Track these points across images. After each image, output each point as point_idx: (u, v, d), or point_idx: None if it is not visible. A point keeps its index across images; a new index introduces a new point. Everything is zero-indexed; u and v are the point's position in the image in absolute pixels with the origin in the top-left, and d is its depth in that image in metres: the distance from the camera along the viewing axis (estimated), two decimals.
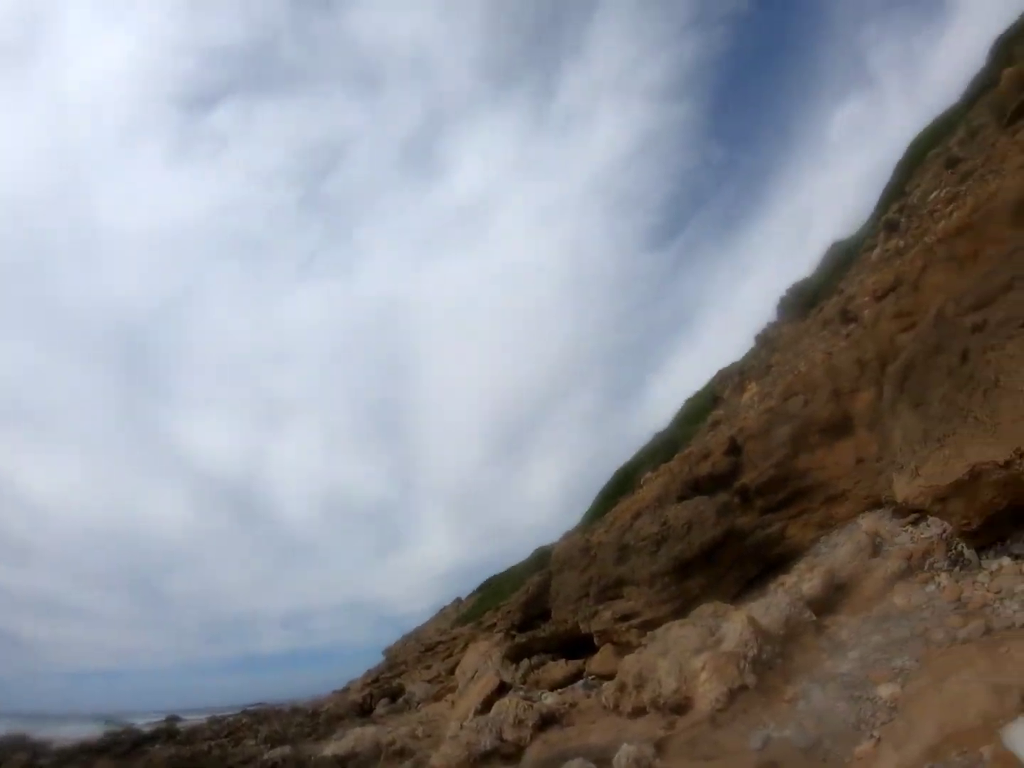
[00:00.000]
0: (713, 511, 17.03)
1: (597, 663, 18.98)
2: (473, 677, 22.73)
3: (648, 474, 32.08)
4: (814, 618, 12.10)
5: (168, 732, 41.21)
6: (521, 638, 23.41)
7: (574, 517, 45.01)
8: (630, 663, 13.07)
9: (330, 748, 22.75)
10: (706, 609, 13.62)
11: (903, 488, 11.26)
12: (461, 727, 14.19)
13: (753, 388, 28.29)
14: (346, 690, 56.65)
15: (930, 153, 27.82)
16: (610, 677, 15.99)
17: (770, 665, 10.99)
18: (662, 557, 16.98)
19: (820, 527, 17.33)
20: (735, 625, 11.77)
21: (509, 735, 12.64)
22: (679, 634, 12.69)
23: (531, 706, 13.30)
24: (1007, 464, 9.44)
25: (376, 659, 65.35)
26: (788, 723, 9.59)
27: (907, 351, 11.93)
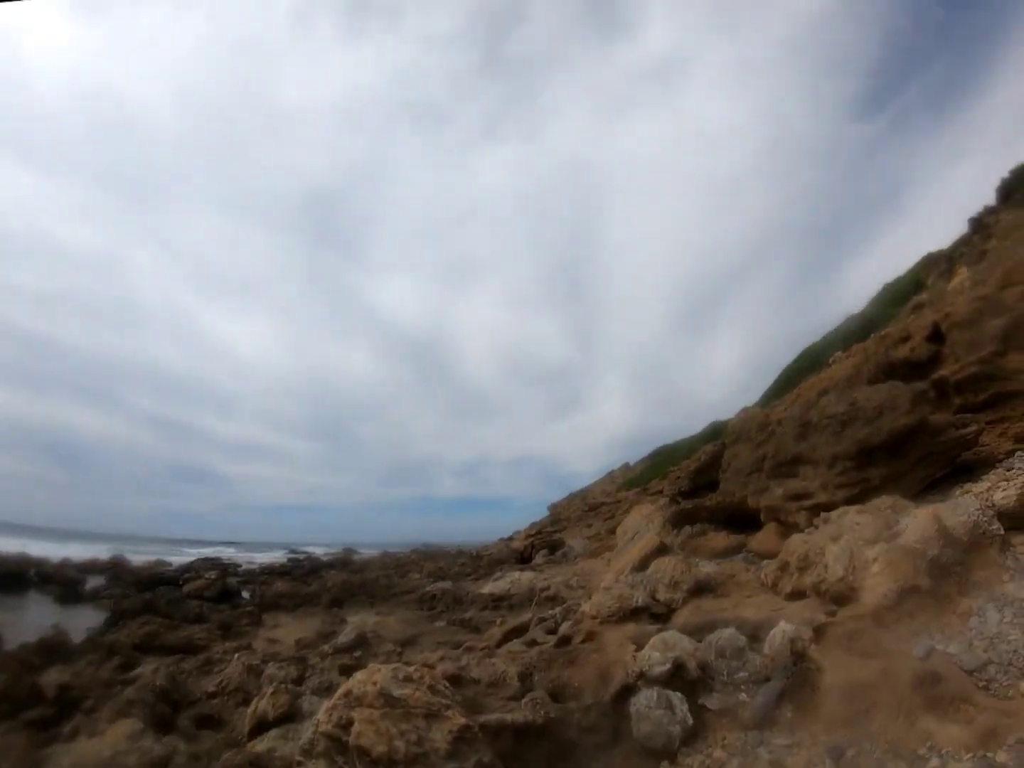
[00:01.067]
0: (908, 398, 15.44)
1: (759, 540, 18.23)
2: (633, 538, 22.51)
3: (838, 354, 30.50)
4: (1002, 532, 10.76)
5: (344, 561, 44.05)
6: (686, 504, 22.82)
7: (754, 395, 43.56)
8: (796, 543, 12.24)
9: (487, 588, 23.40)
10: (885, 501, 12.40)
11: None
12: (616, 580, 13.77)
13: (964, 273, 25.88)
14: (510, 539, 58.36)
15: None
16: (770, 556, 15.43)
17: (948, 571, 9.87)
18: (846, 439, 15.77)
19: (1018, 439, 15.63)
20: (918, 520, 10.69)
21: (662, 595, 12.14)
22: (855, 520, 11.70)
23: (688, 570, 12.71)
24: None
25: (541, 513, 67.18)
26: (955, 638, 8.67)
27: None
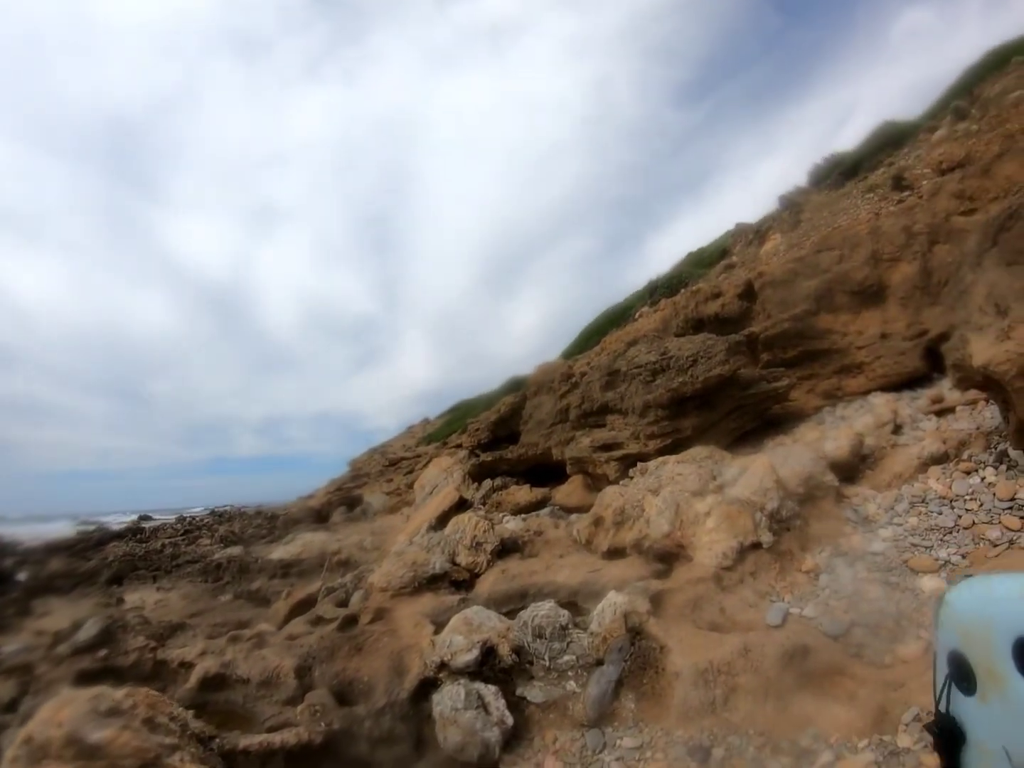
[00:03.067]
0: (724, 348, 14.67)
1: (564, 494, 16.99)
2: (432, 492, 20.92)
3: (644, 308, 29.83)
4: (836, 483, 9.99)
5: (134, 530, 40.55)
6: (486, 456, 21.30)
7: (554, 353, 42.62)
8: (611, 496, 10.86)
9: (277, 552, 21.10)
10: (701, 452, 11.33)
11: (984, 350, 8.68)
12: (410, 542, 11.96)
13: (777, 239, 25.78)
14: (311, 497, 56.02)
15: (1015, 59, 24.39)
16: (578, 510, 14.62)
17: (788, 526, 8.81)
18: (658, 388, 14.66)
19: (826, 396, 15.85)
20: (754, 470, 9.57)
21: (463, 558, 10.48)
22: (675, 471, 10.48)
23: (492, 528, 11.10)
24: None
25: (343, 470, 64.67)
26: (809, 599, 7.63)
27: (1009, 200, 9.39)
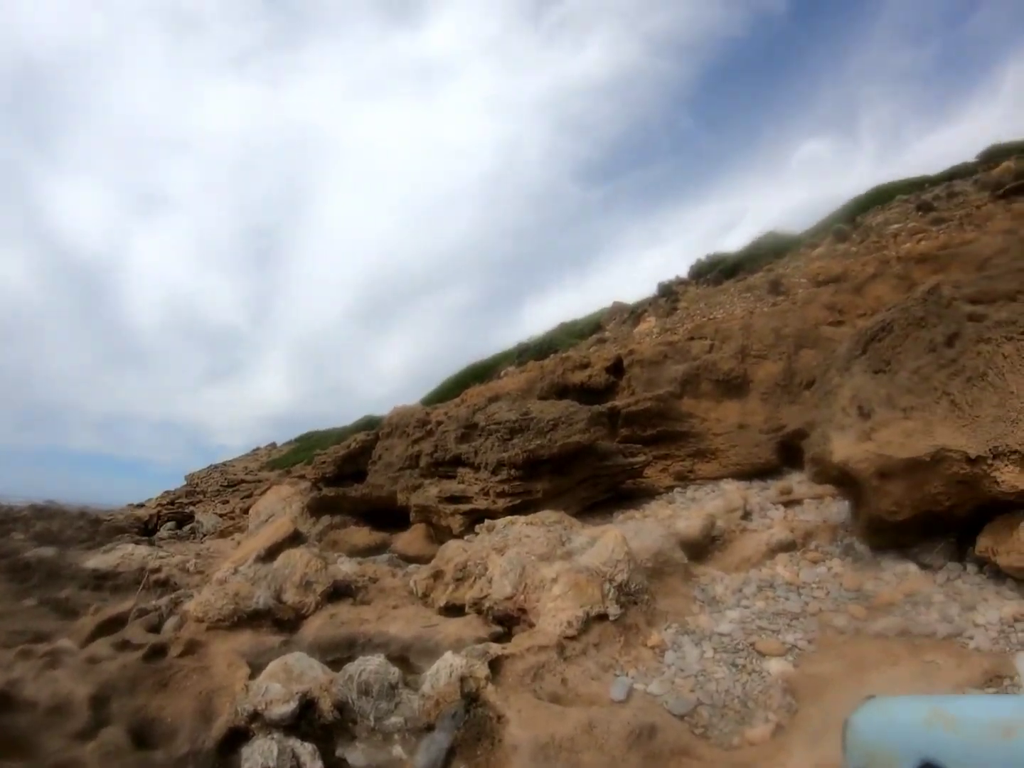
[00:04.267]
0: (585, 417, 14.80)
1: (405, 541, 16.53)
2: (267, 521, 20.00)
3: (511, 368, 29.92)
4: (685, 561, 10.01)
5: None
6: (329, 492, 20.61)
7: (414, 398, 42.16)
8: (454, 550, 10.52)
9: (93, 561, 19.57)
10: (551, 516, 11.14)
11: (845, 447, 9.10)
12: (235, 571, 11.14)
13: (652, 321, 26.49)
14: (140, 506, 53.50)
15: (899, 197, 26.65)
16: (416, 559, 14.27)
17: (636, 599, 8.58)
18: (515, 447, 14.52)
19: (678, 477, 16.12)
20: (606, 540, 9.33)
21: (291, 596, 9.77)
22: (523, 532, 10.20)
23: (325, 567, 10.42)
24: (975, 461, 7.82)
25: (179, 482, 62.22)
26: (653, 675, 7.34)
27: (883, 315, 9.89)
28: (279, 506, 20.85)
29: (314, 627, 9.10)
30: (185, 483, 58.08)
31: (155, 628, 10.10)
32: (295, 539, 13.12)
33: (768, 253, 28.17)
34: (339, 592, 10.13)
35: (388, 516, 18.53)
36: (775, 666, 7.18)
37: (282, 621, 9.29)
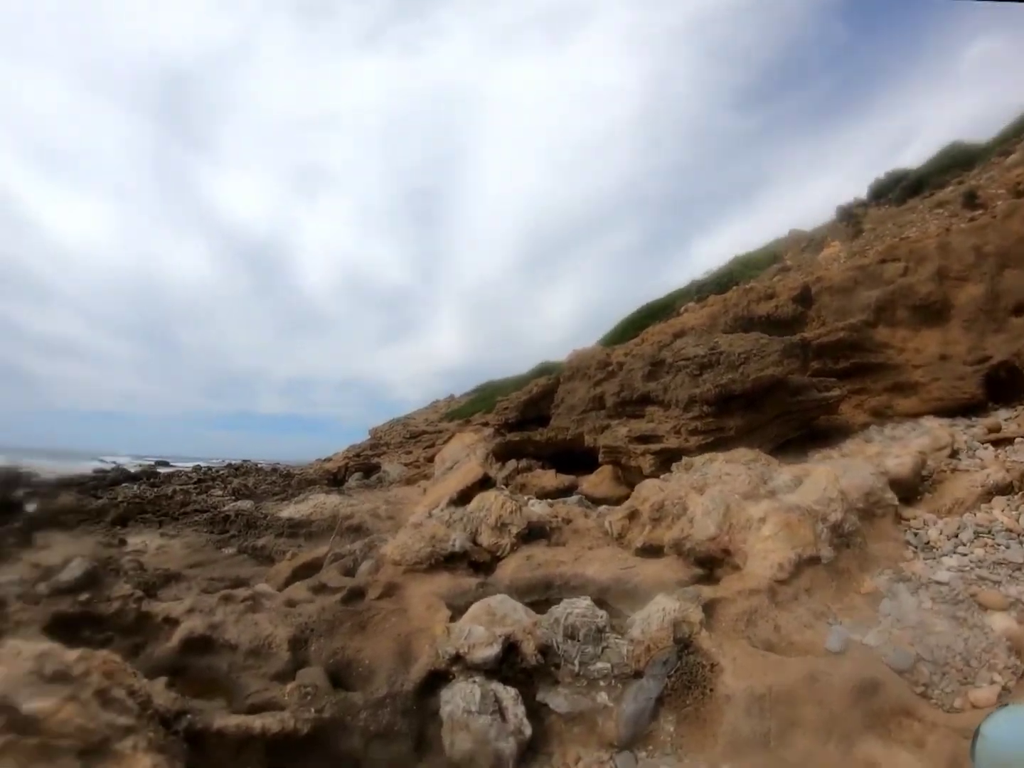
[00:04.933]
0: (779, 348, 13.71)
1: (591, 483, 16.01)
2: (452, 467, 19.99)
3: (691, 304, 28.83)
4: (896, 502, 9.02)
5: (149, 474, 40.41)
6: (514, 436, 20.39)
7: (588, 342, 41.52)
8: (650, 489, 9.89)
9: (287, 511, 20.20)
10: (747, 454, 10.37)
11: None
12: (429, 515, 10.97)
13: (837, 247, 24.83)
14: (328, 460, 55.63)
15: None
16: (603, 501, 13.71)
17: (848, 542, 7.80)
18: (706, 383, 13.75)
19: (874, 413, 14.92)
20: (817, 478, 8.59)
21: (486, 538, 9.48)
22: (722, 470, 9.51)
23: (519, 509, 10.06)
24: None
25: (363, 437, 64.22)
26: (870, 626, 6.56)
27: None
28: (464, 453, 20.83)
29: (510, 569, 8.73)
30: (369, 437, 59.93)
31: (350, 571, 10.06)
32: (485, 483, 12.89)
33: (955, 165, 25.84)
34: (533, 534, 9.75)
35: (573, 459, 18.12)
36: (998, 621, 6.33)
37: (478, 563, 8.98)
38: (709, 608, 6.42)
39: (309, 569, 11.37)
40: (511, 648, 5.93)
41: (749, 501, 8.32)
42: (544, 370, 38.20)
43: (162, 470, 47.00)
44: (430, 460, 30.76)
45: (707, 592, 6.69)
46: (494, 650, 5.78)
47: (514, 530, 9.53)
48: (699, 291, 31.49)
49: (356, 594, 8.00)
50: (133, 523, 20.93)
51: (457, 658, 5.85)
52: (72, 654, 4.02)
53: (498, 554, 9.25)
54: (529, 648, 5.97)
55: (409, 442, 44.24)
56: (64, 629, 7.80)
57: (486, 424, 29.96)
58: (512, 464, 18.90)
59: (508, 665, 5.87)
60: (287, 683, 6.23)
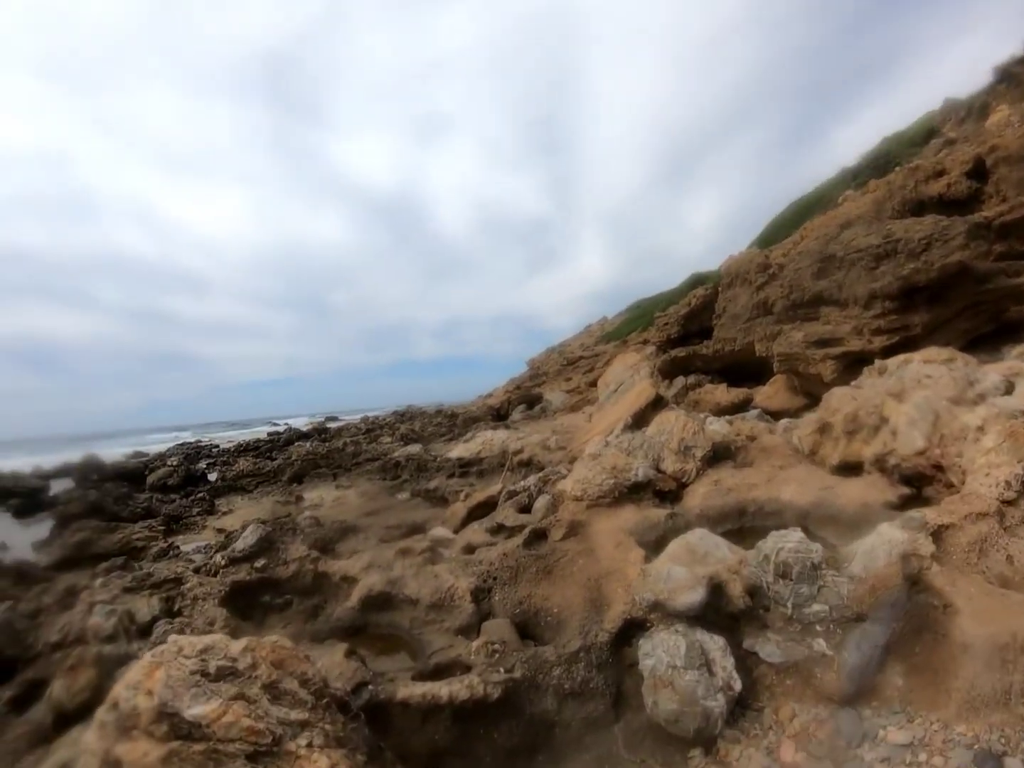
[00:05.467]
0: (963, 230, 12.23)
1: (765, 395, 15.08)
2: (617, 390, 19.35)
3: (849, 192, 26.90)
4: None
5: (319, 430, 41.89)
6: (679, 352, 19.60)
7: (737, 247, 39.71)
8: (840, 399, 8.86)
9: (456, 451, 20.24)
10: (942, 353, 9.02)
11: None
12: (607, 443, 10.34)
13: (1006, 111, 22.41)
14: (489, 395, 56.33)
15: None
16: (781, 414, 12.83)
17: None
18: (885, 275, 12.53)
19: None
20: None
21: (669, 464, 8.80)
22: (921, 372, 8.34)
23: (702, 429, 9.30)
24: None
25: (521, 369, 64.58)
26: None
27: None
28: (627, 374, 20.12)
29: (698, 496, 8.04)
30: (527, 368, 60.23)
31: (525, 508, 9.71)
32: (657, 403, 12.18)
33: None
34: (718, 455, 8.98)
35: (742, 371, 17.28)
36: None
37: (663, 492, 8.29)
38: (936, 537, 5.51)
39: (484, 508, 11.16)
40: (715, 591, 5.29)
41: (960, 407, 7.27)
42: (697, 281, 36.90)
43: (331, 425, 48.72)
44: (592, 385, 30.41)
45: (932, 518, 5.71)
46: (698, 595, 5.14)
47: (698, 453, 8.81)
48: (855, 177, 29.46)
49: (538, 536, 7.52)
50: (308, 479, 21.61)
51: (656, 604, 5.27)
52: (237, 645, 3.65)
53: (684, 480, 8.56)
54: (736, 590, 5.31)
55: (567, 369, 43.97)
56: (242, 597, 7.73)
57: (645, 343, 29.22)
58: (680, 381, 18.16)
59: (712, 610, 5.23)
60: (472, 637, 5.90)
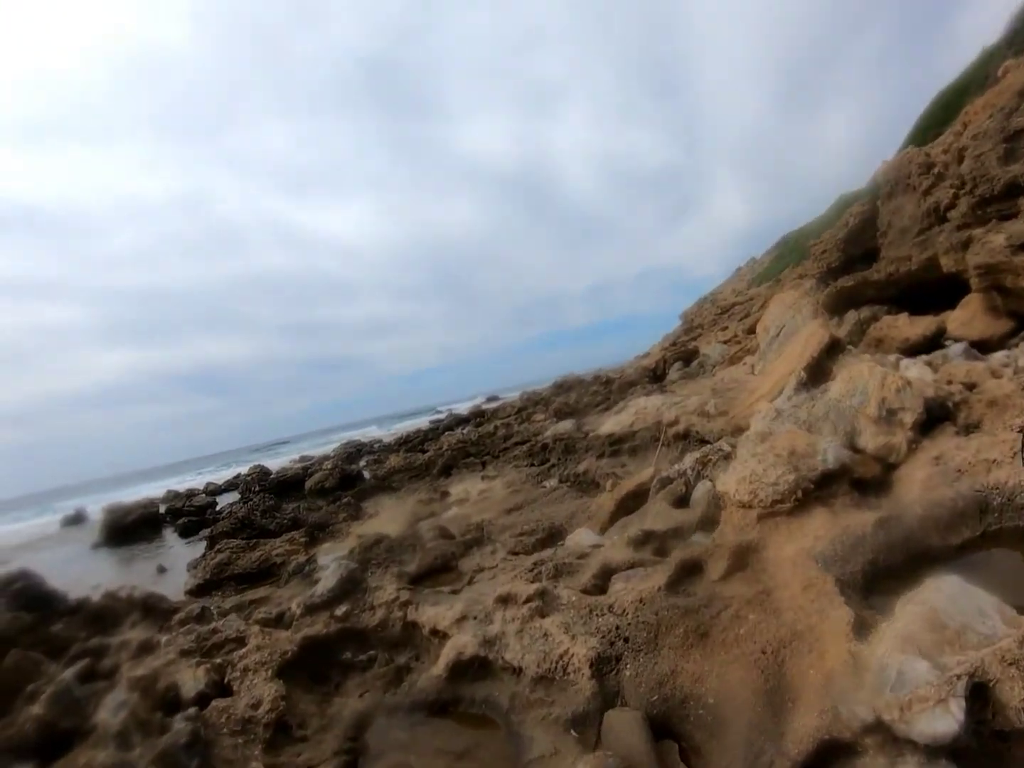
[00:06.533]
0: None
1: (960, 321, 11.97)
2: (778, 335, 16.65)
3: (1008, 62, 23.02)
4: None
5: (476, 413, 41.64)
6: (845, 281, 16.55)
7: (882, 160, 35.59)
8: None
9: (608, 425, 18.03)
10: None
11: None
12: (776, 413, 7.58)
13: None
14: (645, 355, 54.01)
15: None
16: (983, 344, 10.17)
17: None
18: None
19: None
20: None
21: (868, 439, 5.90)
22: None
23: (907, 384, 6.43)
24: None
25: (673, 324, 61.75)
26: None
27: None
28: (788, 315, 17.36)
29: (916, 484, 5.22)
30: (681, 322, 57.49)
31: (683, 499, 7.46)
32: (834, 348, 9.24)
33: None
34: (932, 417, 6.00)
35: (920, 295, 14.19)
36: None
37: (863, 481, 5.56)
38: None
39: (635, 500, 8.77)
40: (978, 695, 2.87)
41: None
42: (845, 202, 32.92)
43: (490, 406, 47.66)
44: (749, 332, 28.41)
45: None
46: (953, 719, 2.70)
47: (908, 418, 5.90)
48: (1010, 45, 25.37)
49: (688, 570, 5.14)
50: (457, 470, 20.20)
51: (876, 726, 2.90)
52: None
53: (891, 460, 5.77)
54: (1015, 695, 2.86)
55: (722, 318, 41.35)
56: (318, 655, 6.05)
57: (803, 276, 26.07)
58: (852, 317, 15.25)
59: (974, 734, 2.82)
60: (588, 734, 4.01)
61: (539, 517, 10.95)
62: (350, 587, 7.06)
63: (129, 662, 6.39)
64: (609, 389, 32.20)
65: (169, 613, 8.39)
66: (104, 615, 8.70)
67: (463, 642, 5.17)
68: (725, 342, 32.31)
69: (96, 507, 27.05)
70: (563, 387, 43.48)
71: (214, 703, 5.31)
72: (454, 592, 7.45)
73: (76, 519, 30.87)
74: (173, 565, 14.36)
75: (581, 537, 7.99)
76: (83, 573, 15.22)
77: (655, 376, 32.54)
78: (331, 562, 7.82)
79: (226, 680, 5.73)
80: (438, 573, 8.81)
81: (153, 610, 8.63)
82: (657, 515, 7.14)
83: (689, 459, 8.38)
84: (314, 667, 5.94)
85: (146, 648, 6.79)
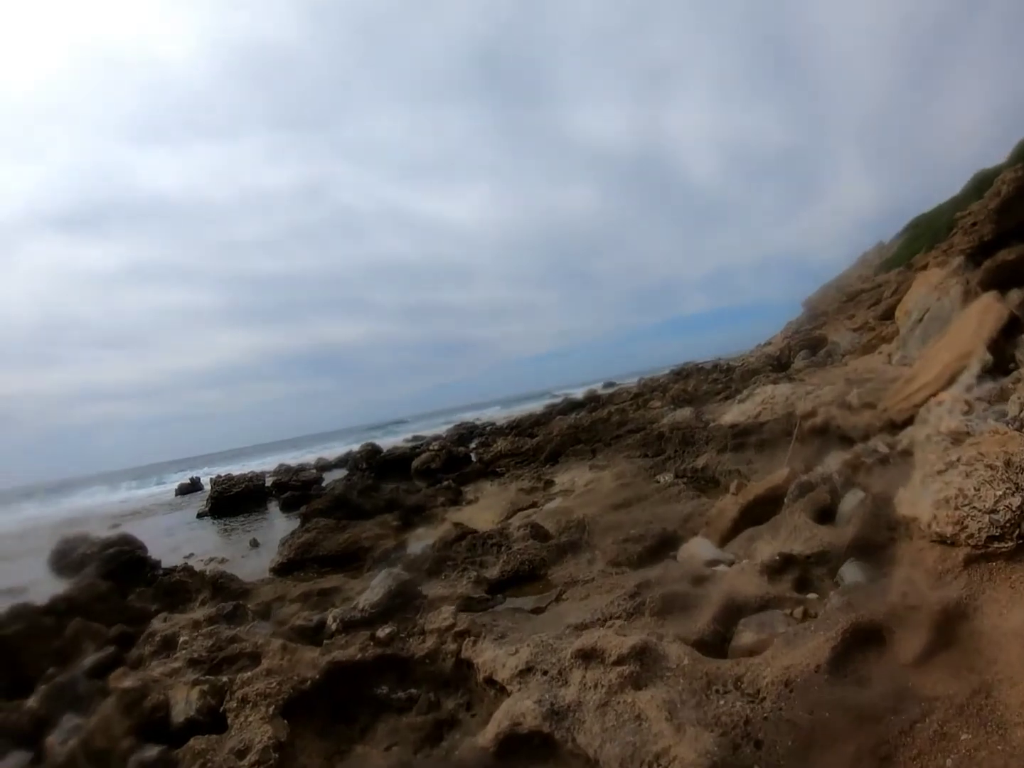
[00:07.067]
0: None
1: None
2: (921, 320, 14.44)
3: None
4: None
5: (591, 398, 39.56)
6: (1006, 255, 14.18)
7: (1017, 136, 31.57)
8: None
9: (730, 414, 16.13)
10: None
11: None
12: (967, 407, 5.46)
13: None
14: (768, 343, 51.68)
15: None
16: None
17: None
18: None
19: None
20: None
21: None
22: None
23: None
24: None
25: (796, 312, 58.90)
26: None
27: None
28: (934, 297, 15.20)
29: None
30: (804, 310, 54.80)
31: (827, 512, 5.82)
32: (1013, 327, 7.30)
33: None
34: None
35: None
36: None
37: None
38: None
39: (763, 507, 6.86)
40: None
41: None
42: (981, 182, 29.54)
43: (605, 391, 46.01)
44: (882, 319, 26.30)
45: None
46: None
47: None
48: None
49: (863, 639, 3.35)
50: (564, 457, 18.61)
51: None
52: None
53: None
54: None
55: (848, 305, 38.61)
56: (347, 685, 4.72)
57: (947, 251, 23.45)
58: (1015, 296, 12.92)
59: None
60: None
61: (649, 518, 9.23)
62: (400, 602, 5.52)
63: (150, 659, 5.60)
64: (730, 377, 30.32)
65: (237, 595, 8.10)
66: (177, 590, 8.86)
67: (523, 709, 3.57)
68: (854, 330, 30.11)
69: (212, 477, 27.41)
70: (681, 374, 41.52)
71: (192, 741, 4.05)
72: (537, 611, 6.03)
73: (190, 488, 31.66)
74: (269, 539, 13.98)
75: (698, 549, 6.33)
76: (182, 542, 15.71)
77: (779, 364, 30.69)
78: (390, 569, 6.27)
79: (223, 708, 4.35)
80: (523, 581, 7.49)
81: (223, 590, 8.47)
82: (794, 531, 5.51)
83: (834, 461, 6.67)
84: (340, 700, 4.59)
85: (170, 644, 5.72)
